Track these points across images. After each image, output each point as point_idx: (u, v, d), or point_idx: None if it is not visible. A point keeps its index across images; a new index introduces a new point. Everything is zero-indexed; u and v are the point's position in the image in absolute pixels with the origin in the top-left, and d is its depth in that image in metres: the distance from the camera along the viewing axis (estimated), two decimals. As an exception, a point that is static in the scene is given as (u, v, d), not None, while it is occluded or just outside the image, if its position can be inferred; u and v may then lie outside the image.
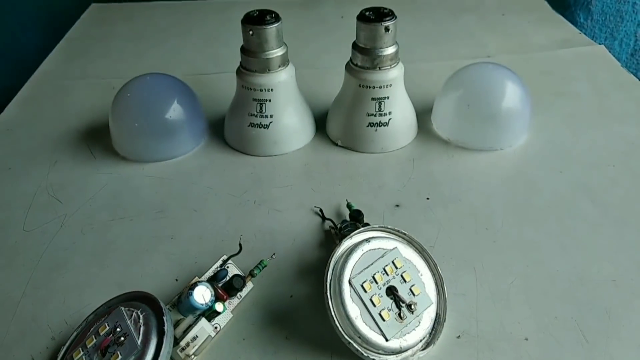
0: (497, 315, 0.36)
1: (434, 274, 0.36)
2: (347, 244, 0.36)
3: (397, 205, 0.46)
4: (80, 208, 0.46)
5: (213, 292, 0.34)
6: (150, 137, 0.50)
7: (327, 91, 0.57)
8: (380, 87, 0.49)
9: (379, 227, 0.37)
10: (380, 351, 0.32)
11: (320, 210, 0.45)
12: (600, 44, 0.72)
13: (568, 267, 0.39)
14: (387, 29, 0.46)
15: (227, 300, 0.36)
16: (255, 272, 0.38)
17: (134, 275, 0.40)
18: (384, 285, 0.34)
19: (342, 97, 0.52)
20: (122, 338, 0.31)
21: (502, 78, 0.51)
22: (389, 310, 0.33)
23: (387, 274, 0.34)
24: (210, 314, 0.34)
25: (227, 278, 0.37)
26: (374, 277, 0.34)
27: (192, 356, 0.33)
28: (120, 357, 0.30)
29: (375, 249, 0.35)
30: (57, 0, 0.94)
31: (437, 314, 0.34)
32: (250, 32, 0.47)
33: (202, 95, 0.56)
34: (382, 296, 0.33)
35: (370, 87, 0.49)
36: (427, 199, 0.46)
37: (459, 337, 0.35)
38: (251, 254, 0.41)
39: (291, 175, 0.50)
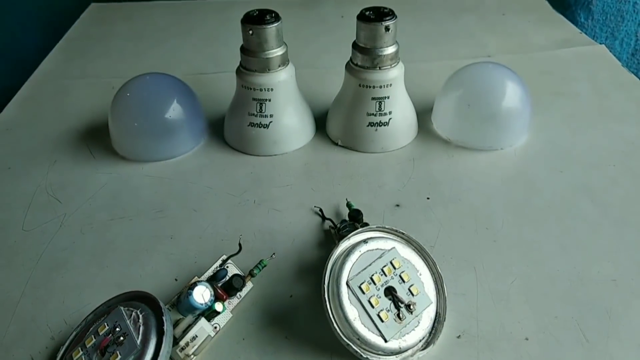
0: (497, 315, 0.36)
1: (433, 274, 0.36)
2: (344, 245, 0.36)
3: (397, 205, 0.46)
4: (80, 208, 0.46)
5: (212, 292, 0.34)
6: (150, 137, 0.50)
7: (327, 91, 0.57)
8: (381, 87, 0.49)
9: (376, 227, 0.37)
10: (379, 352, 0.32)
11: (320, 210, 0.45)
12: (600, 43, 0.72)
13: (568, 267, 0.39)
14: (387, 28, 0.46)
15: (227, 300, 0.36)
16: (254, 271, 0.38)
17: (133, 275, 0.40)
18: (382, 286, 0.33)
19: (342, 96, 0.52)
20: (122, 338, 0.31)
21: (503, 78, 0.51)
22: (388, 311, 0.33)
23: (385, 275, 0.34)
24: (209, 313, 0.34)
25: (227, 278, 0.37)
26: (372, 278, 0.34)
27: (192, 356, 0.33)
28: (119, 356, 0.30)
29: (373, 250, 0.35)
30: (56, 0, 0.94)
31: (436, 313, 0.34)
32: (250, 32, 0.47)
33: (202, 95, 0.56)
34: (380, 297, 0.33)
35: (370, 87, 0.49)
36: (427, 198, 0.46)
37: (459, 336, 0.35)
38: (251, 253, 0.41)
39: (291, 175, 0.50)
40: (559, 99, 0.60)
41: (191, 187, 0.48)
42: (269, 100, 0.50)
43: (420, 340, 0.33)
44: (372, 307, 0.33)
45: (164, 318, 0.31)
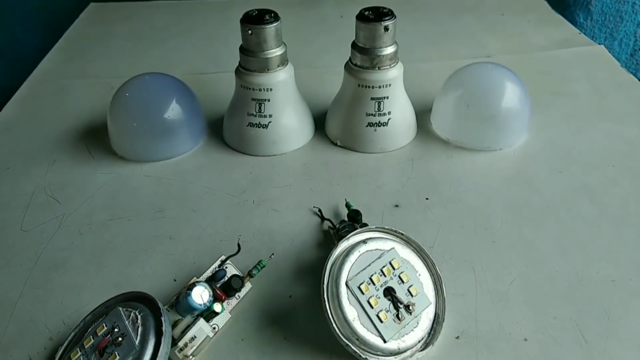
0: (496, 316, 0.36)
1: (432, 274, 0.36)
2: (344, 245, 0.36)
3: (397, 206, 0.46)
4: (79, 208, 0.46)
5: (211, 293, 0.34)
6: (149, 137, 0.50)
7: (327, 91, 0.57)
8: (380, 87, 0.49)
9: (376, 227, 0.37)
10: (378, 352, 0.32)
11: (319, 211, 0.45)
12: (599, 44, 0.72)
13: (567, 267, 0.39)
14: (386, 28, 0.46)
15: (226, 301, 0.36)
16: (253, 272, 0.38)
17: (132, 276, 0.40)
18: (381, 286, 0.33)
19: (342, 96, 0.52)
20: (120, 338, 0.31)
21: (502, 78, 0.51)
22: (387, 311, 0.33)
23: (385, 275, 0.34)
24: (208, 314, 0.34)
25: (226, 278, 0.37)
26: (371, 279, 0.34)
27: (190, 357, 0.33)
28: (118, 357, 0.30)
29: (372, 250, 0.35)
30: (56, -1, 0.94)
31: (435, 314, 0.34)
32: (249, 32, 0.47)
33: (201, 95, 0.56)
34: (379, 297, 0.33)
35: (369, 87, 0.49)
36: (427, 199, 0.46)
37: (458, 337, 0.35)
38: (250, 254, 0.41)
39: (290, 175, 0.50)
40: (558, 99, 0.60)
41: (190, 187, 0.48)
42: (268, 100, 0.49)
43: (419, 341, 0.33)
44: (372, 307, 0.33)
45: (162, 319, 0.31)
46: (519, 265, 0.40)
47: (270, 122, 0.50)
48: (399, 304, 0.33)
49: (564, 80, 0.64)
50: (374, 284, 0.33)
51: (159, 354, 0.30)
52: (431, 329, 0.34)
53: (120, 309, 0.32)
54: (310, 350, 0.34)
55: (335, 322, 0.33)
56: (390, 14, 0.47)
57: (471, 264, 0.40)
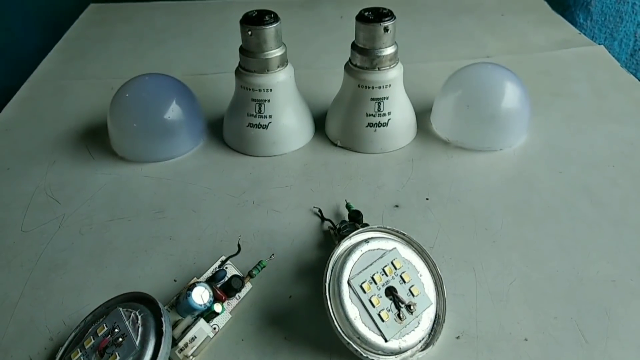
0: (496, 316, 0.36)
1: (433, 275, 0.36)
2: (346, 244, 0.36)
3: (397, 206, 0.46)
4: (79, 208, 0.46)
5: (212, 293, 0.34)
6: (149, 138, 0.50)
7: (326, 91, 0.57)
8: (380, 88, 0.49)
9: (377, 227, 0.37)
10: (379, 352, 0.32)
11: (320, 211, 0.45)
12: (599, 44, 0.72)
13: (567, 267, 0.39)
14: (386, 29, 0.46)
15: (226, 301, 0.36)
16: (254, 272, 0.38)
17: (132, 276, 0.40)
18: (383, 285, 0.33)
19: (341, 97, 0.52)
20: (121, 339, 0.31)
21: (502, 78, 0.51)
22: (388, 310, 0.33)
23: (386, 275, 0.34)
24: (208, 314, 0.34)
25: (226, 279, 0.37)
26: (373, 278, 0.34)
27: (191, 357, 0.33)
28: (118, 358, 0.30)
29: (374, 250, 0.35)
30: (56, 0, 0.94)
31: (436, 314, 0.34)
32: (249, 33, 0.47)
33: (201, 96, 0.56)
34: (381, 297, 0.33)
35: (369, 88, 0.49)
36: (427, 199, 0.46)
37: (458, 337, 0.35)
38: (250, 254, 0.41)
39: (290, 175, 0.50)
40: (558, 100, 0.60)
41: (190, 187, 0.48)
42: (268, 100, 0.50)
43: (420, 341, 0.33)
44: (373, 306, 0.33)
45: (162, 319, 0.31)
46: (519, 266, 0.40)
47: (270, 122, 0.50)
48: (400, 304, 0.33)
49: (564, 80, 0.64)
50: (375, 283, 0.33)
51: (159, 355, 0.30)
52: (432, 329, 0.34)
53: (121, 309, 0.32)
54: (311, 351, 0.34)
55: (336, 321, 0.33)
56: (390, 14, 0.47)
57: (471, 264, 0.40)
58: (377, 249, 0.35)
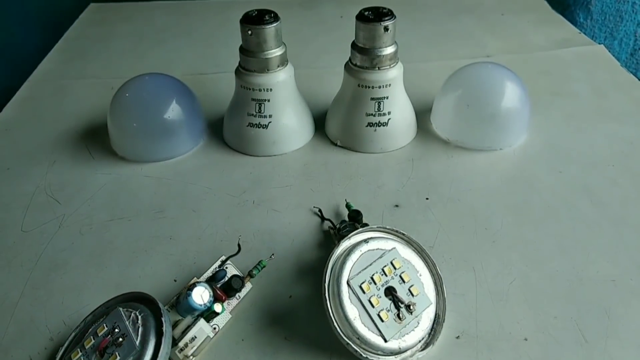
0: (496, 316, 0.36)
1: (433, 274, 0.36)
2: (345, 244, 0.36)
3: (397, 206, 0.46)
4: (79, 208, 0.46)
5: (212, 293, 0.34)
6: (149, 138, 0.50)
7: (326, 91, 0.57)
8: (380, 87, 0.49)
9: (377, 227, 0.37)
10: (379, 352, 0.32)
11: (319, 211, 0.45)
12: (599, 43, 0.72)
13: (567, 267, 0.39)
14: (386, 28, 0.46)
15: (226, 301, 0.36)
16: (254, 272, 0.38)
17: (132, 276, 0.40)
18: (382, 286, 0.33)
19: (341, 97, 0.52)
20: (121, 339, 0.31)
21: (502, 78, 0.51)
22: (388, 311, 0.33)
23: (386, 275, 0.34)
24: (208, 314, 0.34)
25: (226, 278, 0.37)
26: (372, 278, 0.34)
27: (191, 357, 0.33)
28: (118, 358, 0.30)
29: (373, 250, 0.35)
30: (55, 0, 0.94)
31: (436, 314, 0.34)
32: (249, 32, 0.47)
33: (201, 95, 0.56)
34: (380, 297, 0.33)
35: (369, 87, 0.49)
36: (427, 199, 0.46)
37: (458, 337, 0.35)
38: (250, 254, 0.41)
39: (290, 175, 0.50)
40: (558, 99, 0.60)
41: (190, 187, 0.48)
42: (268, 100, 0.50)
43: (419, 341, 0.33)
44: (373, 306, 0.33)
45: (163, 319, 0.31)
46: (519, 265, 0.40)
47: (270, 122, 0.50)
48: (399, 304, 0.33)
49: (564, 80, 0.64)
50: (375, 283, 0.33)
51: (160, 354, 0.30)
52: (432, 329, 0.34)
53: (121, 309, 0.32)
54: (311, 351, 0.34)
55: (336, 321, 0.33)
56: (390, 14, 0.47)
57: (471, 263, 0.40)
58: (377, 249, 0.35)
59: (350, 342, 0.32)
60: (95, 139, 0.55)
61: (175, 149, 0.52)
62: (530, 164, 0.50)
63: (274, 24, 0.47)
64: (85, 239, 0.43)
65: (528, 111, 0.52)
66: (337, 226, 0.41)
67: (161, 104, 0.50)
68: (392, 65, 0.49)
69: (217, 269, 0.37)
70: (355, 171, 0.50)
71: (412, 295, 0.34)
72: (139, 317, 0.31)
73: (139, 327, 0.31)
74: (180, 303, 0.34)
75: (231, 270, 0.38)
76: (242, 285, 0.37)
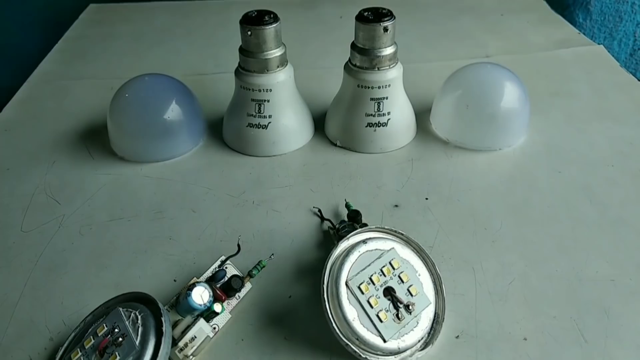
0: (496, 315, 0.36)
1: (432, 274, 0.36)
2: (343, 245, 0.36)
3: (396, 206, 0.46)
4: (79, 209, 0.46)
5: (211, 293, 0.34)
6: (149, 138, 0.50)
7: (326, 91, 0.57)
8: (379, 88, 0.49)
9: (376, 227, 0.37)
10: (378, 352, 0.32)
11: (319, 211, 0.45)
12: (599, 44, 0.72)
13: (567, 267, 0.39)
14: (385, 29, 0.46)
15: (226, 301, 0.36)
16: (253, 272, 0.38)
17: (132, 276, 0.40)
18: (381, 286, 0.33)
19: (341, 97, 0.52)
20: (120, 339, 0.31)
21: (501, 78, 0.51)
22: (387, 311, 0.33)
23: (385, 275, 0.34)
24: (208, 314, 0.34)
25: (226, 278, 0.37)
26: (371, 279, 0.34)
27: (191, 357, 0.33)
28: (118, 357, 0.30)
29: (372, 250, 0.35)
30: (55, 0, 0.94)
31: (435, 313, 0.34)
32: (249, 33, 0.47)
33: (201, 96, 0.56)
34: (379, 297, 0.33)
35: (369, 88, 0.49)
36: (426, 199, 0.46)
37: (457, 337, 0.35)
38: (250, 254, 0.41)
39: (290, 175, 0.50)
40: (557, 99, 0.60)
41: (190, 187, 0.48)
42: (268, 101, 0.50)
43: (419, 341, 0.33)
44: (371, 307, 0.33)
45: (162, 319, 0.31)
46: (519, 265, 0.40)
47: (269, 122, 0.50)
48: (398, 304, 0.33)
49: (564, 80, 0.64)
50: (373, 283, 0.33)
51: (159, 354, 0.30)
52: (431, 329, 0.34)
53: (121, 309, 0.32)
54: (310, 351, 0.34)
55: (335, 322, 0.33)
56: (389, 14, 0.47)
57: (471, 263, 0.40)
58: (375, 250, 0.35)
59: (349, 343, 0.32)
60: (95, 139, 0.55)
61: (175, 149, 0.52)
62: (529, 164, 0.50)
63: (274, 25, 0.47)
64: (85, 239, 0.43)
65: (527, 111, 0.52)
66: (337, 226, 0.41)
67: (161, 104, 0.50)
68: (391, 66, 0.49)
69: (217, 269, 0.37)
70: (355, 171, 0.50)
71: (411, 295, 0.34)
72: (139, 317, 0.31)
73: (138, 327, 0.31)
74: (180, 303, 0.34)
75: (231, 270, 0.38)
76: (242, 285, 0.37)
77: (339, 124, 0.53)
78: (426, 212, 0.45)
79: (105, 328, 0.32)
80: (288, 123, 0.51)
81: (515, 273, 0.39)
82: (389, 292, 0.33)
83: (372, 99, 0.49)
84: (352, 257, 0.34)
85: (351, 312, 0.32)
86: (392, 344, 0.32)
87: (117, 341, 0.31)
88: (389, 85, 0.49)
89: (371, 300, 0.33)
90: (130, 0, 0.91)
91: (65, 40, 0.79)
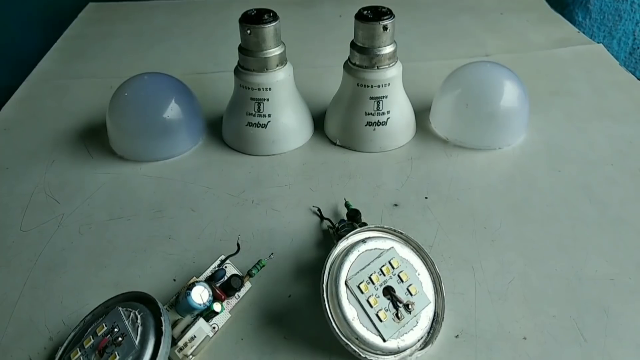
0: (495, 315, 0.36)
1: (431, 273, 0.36)
2: (343, 245, 0.36)
3: (396, 205, 0.46)
4: (78, 208, 0.46)
5: (211, 292, 0.34)
6: (148, 137, 0.50)
7: (326, 90, 0.57)
8: (379, 86, 0.49)
9: (375, 226, 0.37)
10: (378, 352, 0.32)
11: (319, 210, 0.45)
12: (598, 42, 0.72)
13: (566, 266, 0.39)
14: (385, 27, 0.46)
15: (225, 300, 0.36)
16: (253, 271, 0.38)
17: (131, 276, 0.40)
18: (380, 285, 0.33)
19: (341, 96, 0.52)
20: (120, 338, 0.31)
21: (501, 77, 0.51)
22: (386, 310, 0.33)
23: (384, 274, 0.34)
24: (208, 314, 0.34)
25: (225, 278, 0.37)
26: (370, 278, 0.34)
27: (190, 356, 0.33)
28: (118, 357, 0.30)
29: (371, 250, 0.35)
30: (54, -1, 0.94)
31: (435, 313, 0.34)
32: (248, 31, 0.47)
33: (200, 95, 0.56)
34: (379, 297, 0.33)
35: (368, 86, 0.49)
36: (426, 198, 0.46)
37: (457, 336, 0.35)
38: (249, 253, 0.41)
39: (289, 174, 0.50)
40: (556, 98, 0.60)
41: (189, 187, 0.48)
42: (267, 99, 0.50)
43: (418, 340, 0.33)
44: (371, 306, 0.33)
45: (162, 318, 0.31)
46: (518, 264, 0.40)
47: (269, 121, 0.50)
48: (398, 303, 0.33)
49: (563, 79, 0.64)
50: (373, 283, 0.33)
51: (159, 354, 0.30)
52: (430, 328, 0.34)
53: (120, 309, 0.32)
54: (310, 350, 0.34)
55: (334, 322, 0.33)
56: (389, 13, 0.47)
57: (470, 263, 0.40)
58: (375, 249, 0.35)
59: (349, 343, 0.32)
60: (94, 139, 0.55)
61: (175, 148, 0.52)
62: (529, 163, 0.50)
63: (273, 23, 0.47)
64: (84, 238, 0.43)
65: (527, 110, 0.52)
66: (336, 225, 0.41)
67: (160, 103, 0.50)
68: (391, 65, 0.49)
69: (217, 269, 0.37)
70: (355, 170, 0.50)
71: (411, 294, 0.34)
72: (139, 316, 0.31)
73: (138, 326, 0.31)
74: (180, 302, 0.34)
75: (230, 270, 0.38)
76: (242, 285, 0.37)
77: (338, 123, 0.53)
78: (426, 211, 0.45)
79: (105, 327, 0.32)
80: (287, 122, 0.51)
81: (515, 272, 0.39)
82: (388, 292, 0.33)
83: (371, 98, 0.49)
84: (352, 257, 0.34)
85: (351, 311, 0.32)
86: (391, 344, 0.32)
87: (117, 341, 0.31)
88: (389, 84, 0.49)
89: (371, 300, 0.33)
90: (130, -1, 0.91)
91: (65, 39, 0.79)
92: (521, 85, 0.51)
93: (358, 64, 0.49)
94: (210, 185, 0.48)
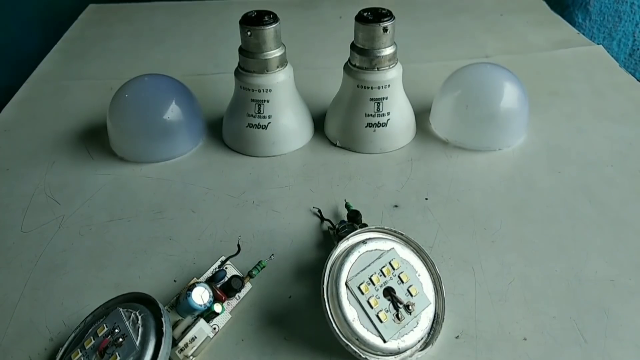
0: (495, 315, 0.36)
1: (431, 274, 0.36)
2: (343, 245, 0.36)
3: (396, 206, 0.46)
4: (78, 209, 0.46)
5: (211, 293, 0.34)
6: (148, 138, 0.50)
7: (326, 92, 0.57)
8: (379, 88, 0.49)
9: (375, 227, 0.37)
10: (378, 352, 0.32)
11: (319, 211, 0.45)
12: (598, 44, 0.72)
13: (566, 267, 0.39)
14: (385, 29, 0.46)
15: (226, 301, 0.36)
16: (253, 272, 0.38)
17: (132, 277, 0.40)
18: (381, 286, 0.34)
19: (341, 97, 0.52)
20: (121, 339, 0.31)
21: (500, 78, 0.51)
22: (387, 311, 0.33)
23: (384, 275, 0.34)
24: (208, 314, 0.34)
25: (226, 279, 0.37)
26: (371, 279, 0.34)
27: (191, 357, 0.33)
28: (118, 358, 0.30)
29: (372, 251, 0.35)
30: (55, 0, 0.94)
31: (435, 314, 0.34)
32: (249, 33, 0.47)
33: (201, 96, 0.56)
34: (379, 297, 0.33)
35: (368, 88, 0.49)
36: (426, 199, 0.46)
37: (457, 337, 0.35)
38: (250, 254, 0.41)
39: (289, 175, 0.50)
40: (556, 100, 0.60)
41: (190, 188, 0.48)
42: (268, 101, 0.50)
43: (419, 341, 0.33)
44: (371, 307, 0.33)
45: (163, 319, 0.31)
46: (518, 265, 0.40)
47: (269, 123, 0.50)
48: (398, 304, 0.33)
49: (563, 80, 0.64)
50: (373, 284, 0.34)
51: (160, 355, 0.30)
52: (431, 329, 0.34)
53: (121, 309, 0.32)
54: (310, 351, 0.34)
55: (335, 323, 0.33)
56: (389, 14, 0.47)
57: (470, 264, 0.40)
58: (375, 250, 0.35)
59: (349, 344, 0.32)
60: (94, 140, 0.55)
61: (175, 149, 0.52)
62: (529, 164, 0.50)
63: (273, 25, 0.47)
64: (84, 239, 0.43)
65: (527, 111, 0.52)
66: (336, 226, 0.41)
67: (160, 104, 0.50)
68: (391, 66, 0.49)
69: (217, 269, 0.37)
70: (355, 171, 0.50)
71: (411, 295, 0.34)
72: (139, 317, 0.31)
73: (139, 327, 0.31)
74: (180, 303, 0.34)
75: (231, 271, 0.38)
76: (242, 286, 0.37)
77: (338, 124, 0.53)
78: (426, 212, 0.45)
79: (106, 328, 0.32)
80: (288, 123, 0.51)
81: (515, 273, 0.39)
82: (388, 293, 0.33)
83: (371, 99, 0.49)
84: (352, 258, 0.34)
85: (351, 312, 0.32)
86: (392, 344, 0.32)
87: (118, 341, 0.31)
88: (389, 86, 0.49)
89: (371, 301, 0.33)
90: (130, 0, 0.91)
91: (65, 40, 0.79)
92: (521, 87, 0.51)
93: (358, 65, 0.49)
94: (211, 186, 0.49)
